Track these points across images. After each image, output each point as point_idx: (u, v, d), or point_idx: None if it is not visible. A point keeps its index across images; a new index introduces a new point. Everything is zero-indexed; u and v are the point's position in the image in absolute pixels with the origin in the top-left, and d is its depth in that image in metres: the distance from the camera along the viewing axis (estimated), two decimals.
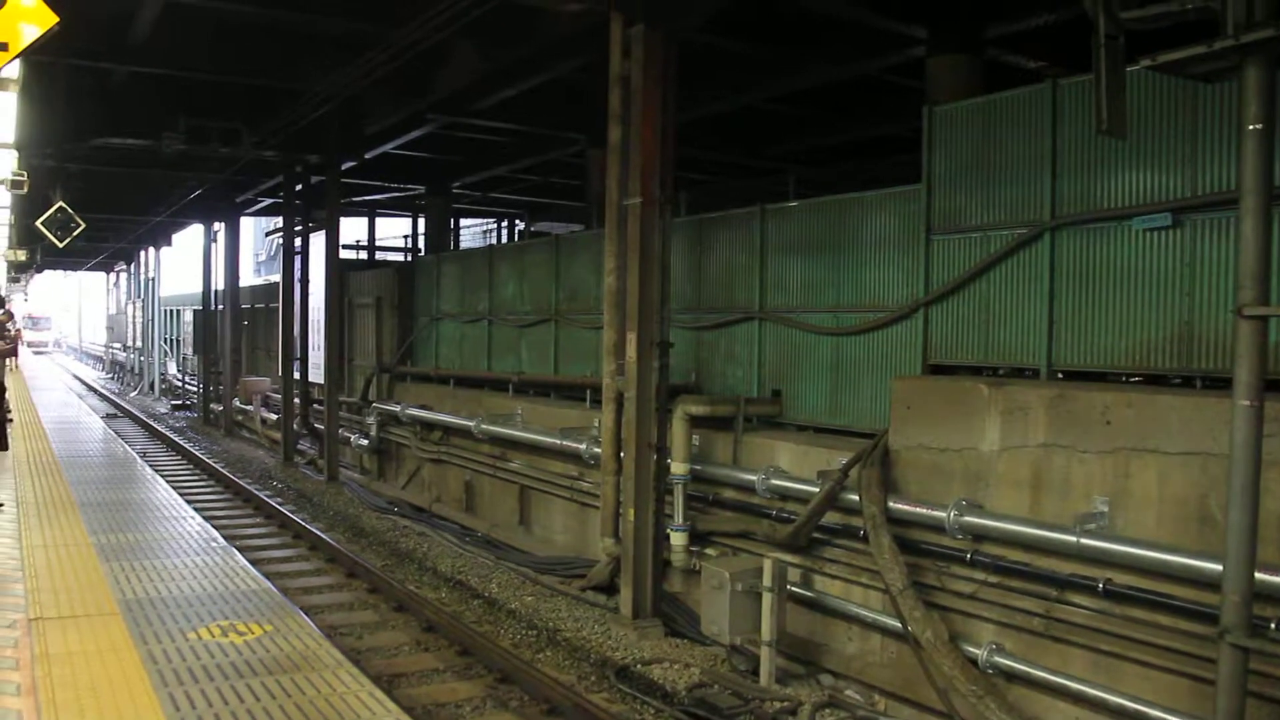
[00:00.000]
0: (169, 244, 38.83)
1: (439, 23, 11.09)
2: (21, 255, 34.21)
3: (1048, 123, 8.00)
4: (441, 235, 24.07)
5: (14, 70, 11.30)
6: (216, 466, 20.52)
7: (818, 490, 8.80)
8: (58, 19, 5.48)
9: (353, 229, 31.91)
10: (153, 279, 41.98)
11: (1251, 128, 5.16)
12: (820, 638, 9.27)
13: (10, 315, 18.42)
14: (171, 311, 44.72)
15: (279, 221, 28.88)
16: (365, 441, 19.22)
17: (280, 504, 16.54)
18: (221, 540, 8.73)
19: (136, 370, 46.46)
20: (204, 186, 23.94)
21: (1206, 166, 6.96)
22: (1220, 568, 5.47)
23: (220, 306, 30.48)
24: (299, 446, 22.37)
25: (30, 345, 27.89)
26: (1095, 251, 7.69)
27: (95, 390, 42.89)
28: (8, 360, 16.25)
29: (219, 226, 30.11)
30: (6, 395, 14.22)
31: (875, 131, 16.50)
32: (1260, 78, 5.10)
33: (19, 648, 5.66)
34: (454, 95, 14.80)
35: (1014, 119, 8.34)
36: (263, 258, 56.58)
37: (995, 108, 8.53)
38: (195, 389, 35.08)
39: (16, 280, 47.51)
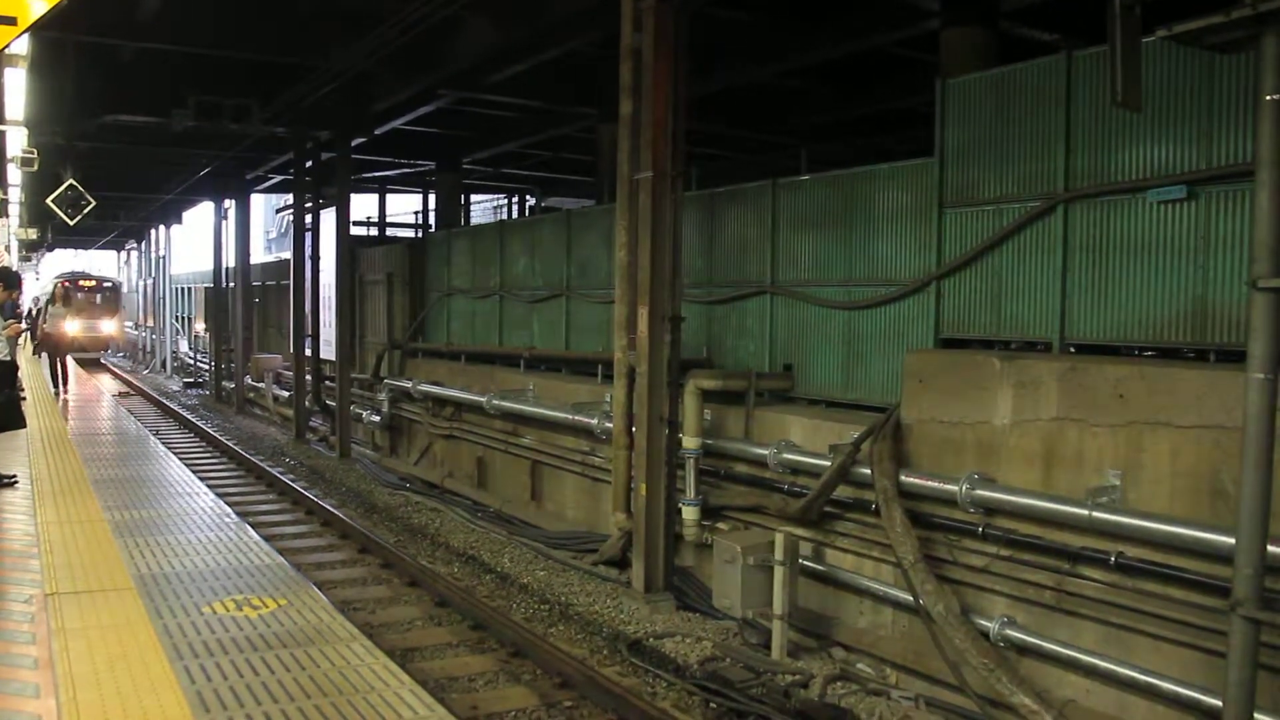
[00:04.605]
0: (179, 222, 38.94)
1: None
2: (33, 233, 34.36)
3: (1062, 95, 7.93)
4: (452, 211, 24.04)
5: (23, 46, 11.31)
6: (229, 443, 20.60)
7: (830, 464, 8.79)
8: None
9: (363, 205, 31.90)
10: (163, 257, 42.09)
11: (1269, 98, 5.10)
12: (832, 611, 9.30)
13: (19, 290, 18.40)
14: (183, 289, 44.83)
15: (290, 198, 28.89)
16: (377, 418, 19.27)
17: (292, 480, 16.61)
18: (234, 516, 8.77)
19: (148, 348, 46.64)
20: (214, 163, 23.97)
21: (1222, 138, 6.89)
22: (1232, 541, 5.47)
23: (231, 284, 30.53)
24: (311, 423, 22.44)
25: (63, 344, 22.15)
26: (1109, 224, 7.64)
27: (107, 368, 43.05)
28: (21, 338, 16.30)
29: (229, 204, 30.11)
30: (20, 373, 14.28)
31: (888, 106, 16.39)
32: (1278, 48, 5.04)
33: (36, 622, 5.70)
34: (465, 70, 14.74)
35: (1028, 91, 8.27)
36: (274, 235, 56.63)
37: (1009, 80, 8.46)
38: (207, 366, 35.21)
39: (28, 259, 47.70)
